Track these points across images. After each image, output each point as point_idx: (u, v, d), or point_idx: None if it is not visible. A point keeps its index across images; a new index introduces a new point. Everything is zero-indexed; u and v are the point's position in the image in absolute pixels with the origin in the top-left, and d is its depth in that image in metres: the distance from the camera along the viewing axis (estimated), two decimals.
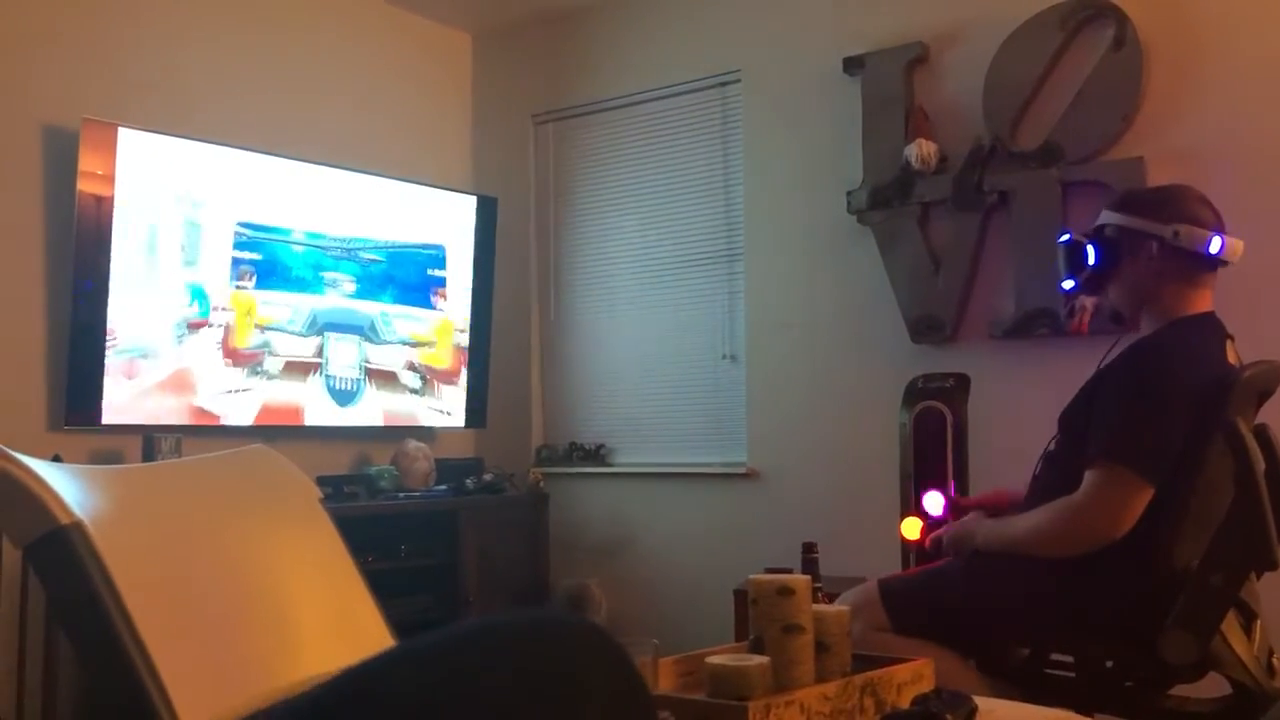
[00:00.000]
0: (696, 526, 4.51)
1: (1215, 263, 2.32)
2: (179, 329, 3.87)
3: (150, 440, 3.68)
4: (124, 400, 3.73)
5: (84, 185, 3.62)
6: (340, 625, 1.38)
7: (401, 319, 4.55)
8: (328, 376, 4.30)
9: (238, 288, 4.03)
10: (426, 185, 4.70)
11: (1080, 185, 3.68)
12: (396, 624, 1.45)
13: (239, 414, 4.04)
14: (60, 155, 3.71)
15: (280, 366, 4.15)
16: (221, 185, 4.00)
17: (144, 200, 3.77)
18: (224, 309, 3.99)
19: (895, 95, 4.03)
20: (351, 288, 4.36)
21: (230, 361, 4.00)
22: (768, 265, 4.40)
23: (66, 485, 1.02)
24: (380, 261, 4.46)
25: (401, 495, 4.34)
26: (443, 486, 4.49)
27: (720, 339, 4.56)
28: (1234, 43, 3.57)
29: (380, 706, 0.71)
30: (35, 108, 3.74)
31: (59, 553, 0.98)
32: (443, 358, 4.70)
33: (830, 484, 4.15)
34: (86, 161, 3.62)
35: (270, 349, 4.12)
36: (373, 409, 4.45)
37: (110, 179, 3.67)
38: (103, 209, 3.67)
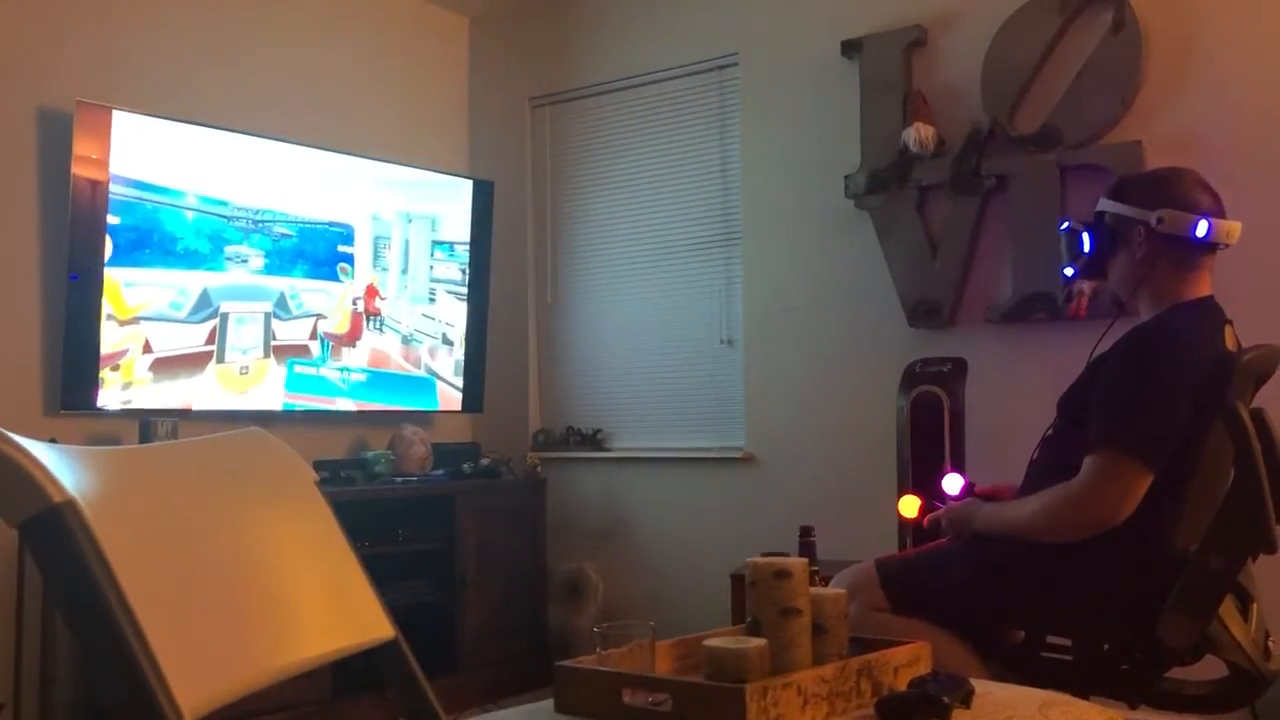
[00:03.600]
0: (694, 511, 4.51)
1: (1205, 246, 2.31)
2: None
3: (147, 425, 3.67)
4: None
5: (78, 169, 3.61)
6: (336, 608, 1.38)
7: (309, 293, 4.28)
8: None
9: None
10: (423, 169, 4.68)
11: (1078, 169, 3.68)
12: (393, 608, 1.44)
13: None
14: (55, 138, 3.69)
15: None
16: (205, 166, 3.96)
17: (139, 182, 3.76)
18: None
19: (893, 79, 4.02)
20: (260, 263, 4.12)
21: None
22: (765, 249, 4.39)
23: (60, 464, 1.01)
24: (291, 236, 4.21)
25: (398, 480, 4.33)
26: (439, 471, 4.49)
27: (718, 323, 4.55)
28: (1232, 26, 3.56)
29: None
30: (30, 90, 3.71)
31: (52, 531, 0.98)
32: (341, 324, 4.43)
33: (827, 468, 4.15)
34: (81, 145, 3.61)
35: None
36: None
37: (105, 163, 3.66)
38: (97, 192, 3.65)
